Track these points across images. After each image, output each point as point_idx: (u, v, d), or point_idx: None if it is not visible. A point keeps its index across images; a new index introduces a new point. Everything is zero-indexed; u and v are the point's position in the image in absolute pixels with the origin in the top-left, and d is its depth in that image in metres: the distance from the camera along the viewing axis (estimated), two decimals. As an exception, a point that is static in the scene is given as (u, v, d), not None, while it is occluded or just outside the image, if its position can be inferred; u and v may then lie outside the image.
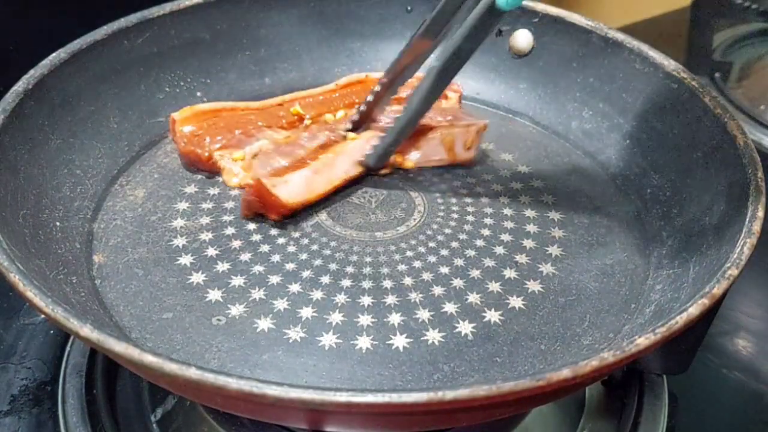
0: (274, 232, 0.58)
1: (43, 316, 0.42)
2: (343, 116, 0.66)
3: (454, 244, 0.58)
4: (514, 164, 0.67)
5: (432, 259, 0.56)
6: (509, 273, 0.56)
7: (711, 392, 0.63)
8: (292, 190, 0.58)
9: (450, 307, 0.53)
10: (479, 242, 0.58)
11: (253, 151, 0.62)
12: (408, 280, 0.55)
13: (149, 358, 0.39)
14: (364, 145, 0.62)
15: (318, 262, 0.56)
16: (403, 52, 0.61)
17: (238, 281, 0.54)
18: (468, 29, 0.55)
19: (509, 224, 0.60)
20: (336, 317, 0.52)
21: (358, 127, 0.64)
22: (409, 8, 0.75)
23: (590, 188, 0.64)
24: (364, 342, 0.50)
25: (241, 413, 0.48)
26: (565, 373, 0.39)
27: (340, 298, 0.53)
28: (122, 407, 0.57)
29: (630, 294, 0.55)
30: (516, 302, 0.54)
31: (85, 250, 0.55)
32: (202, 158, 0.62)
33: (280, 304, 0.52)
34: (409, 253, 0.57)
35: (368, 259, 0.56)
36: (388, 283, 0.54)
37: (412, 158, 0.64)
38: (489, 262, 0.57)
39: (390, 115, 0.66)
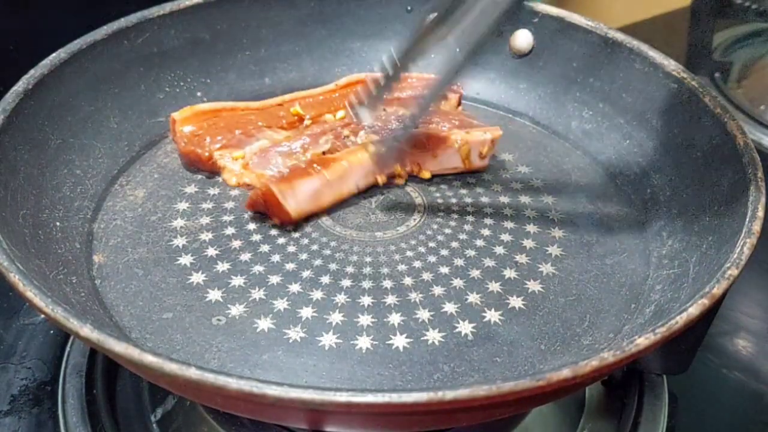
0: (274, 232, 0.58)
1: (43, 316, 0.42)
2: (343, 116, 0.66)
3: (454, 244, 0.58)
4: (514, 164, 0.67)
5: (432, 259, 0.56)
6: (509, 273, 0.56)
7: (711, 392, 0.63)
8: (299, 201, 0.57)
9: (450, 307, 0.53)
10: (479, 242, 0.58)
11: (254, 150, 0.62)
12: (408, 280, 0.55)
13: (149, 358, 0.39)
14: None
15: (318, 262, 0.56)
16: (410, 46, 0.60)
17: (238, 281, 0.54)
18: (494, 18, 0.53)
19: (509, 224, 0.60)
20: (336, 317, 0.52)
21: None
22: (409, 8, 0.75)
23: (590, 188, 0.64)
24: (364, 342, 0.50)
25: (241, 413, 0.48)
26: (565, 373, 0.39)
27: (340, 298, 0.53)
28: (122, 407, 0.57)
29: (630, 294, 0.55)
30: (516, 302, 0.54)
31: (85, 250, 0.55)
32: (202, 158, 0.62)
33: (280, 304, 0.52)
34: (409, 253, 0.57)
35: (368, 259, 0.56)
36: (388, 283, 0.54)
37: (429, 168, 0.64)
38: (489, 262, 0.57)
39: (389, 118, 0.66)
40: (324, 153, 0.62)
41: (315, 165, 0.59)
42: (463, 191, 0.63)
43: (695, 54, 1.03)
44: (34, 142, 0.57)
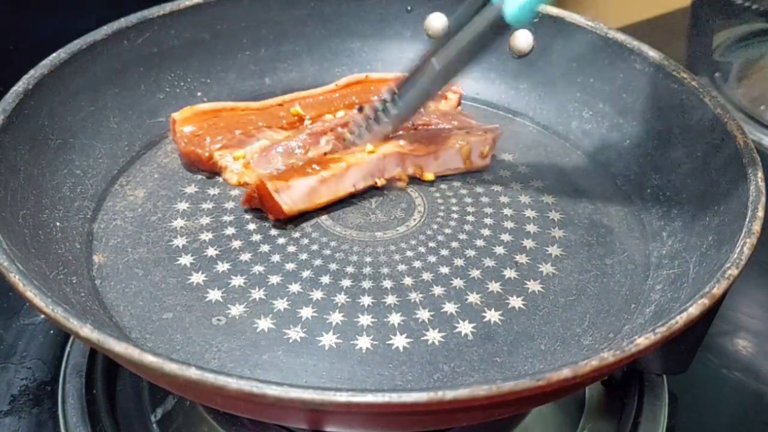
0: (274, 232, 0.58)
1: (43, 316, 0.42)
2: (343, 116, 0.66)
3: (454, 244, 0.58)
4: (514, 164, 0.67)
5: (432, 259, 0.56)
6: (509, 273, 0.56)
7: (711, 392, 0.63)
8: (294, 197, 0.57)
9: (450, 307, 0.53)
10: (479, 242, 0.58)
11: (254, 150, 0.62)
12: (408, 280, 0.55)
13: (149, 358, 0.39)
14: (378, 159, 0.61)
15: (318, 262, 0.56)
16: (414, 71, 0.60)
17: (238, 281, 0.54)
18: (473, 37, 0.55)
19: (509, 224, 0.60)
20: (336, 317, 0.52)
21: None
22: (409, 8, 0.75)
23: (590, 188, 0.64)
24: (364, 342, 0.50)
25: (241, 413, 0.48)
26: (565, 372, 0.39)
27: (340, 298, 0.53)
28: (122, 407, 0.57)
29: (630, 294, 0.55)
30: (516, 302, 0.54)
31: (85, 250, 0.55)
32: (202, 158, 0.62)
33: (280, 304, 0.52)
34: (409, 253, 0.57)
35: (368, 259, 0.56)
36: (388, 283, 0.54)
37: (431, 169, 0.64)
38: (489, 262, 0.57)
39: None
40: (325, 154, 0.62)
41: (313, 164, 0.59)
42: (463, 191, 0.63)
43: (695, 54, 1.04)
44: (34, 142, 0.57)
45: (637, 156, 0.65)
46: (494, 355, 0.50)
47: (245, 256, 0.56)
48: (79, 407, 0.55)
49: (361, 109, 0.66)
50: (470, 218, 0.60)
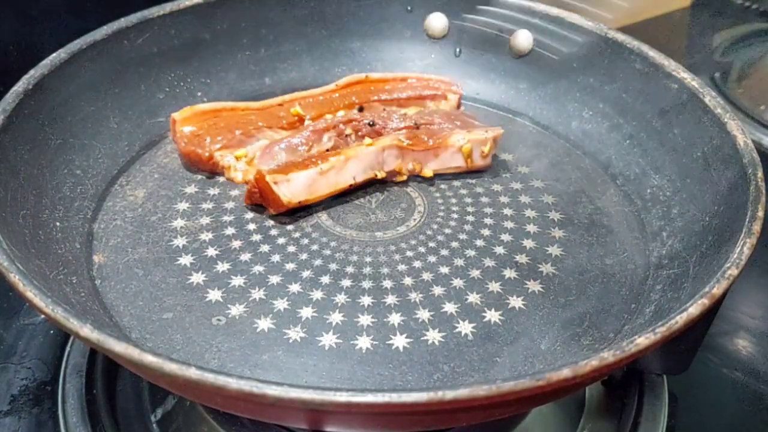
0: (274, 232, 0.58)
1: (43, 316, 0.42)
2: (344, 116, 0.66)
3: (454, 244, 0.58)
4: (514, 164, 0.67)
5: (432, 259, 0.56)
6: (509, 273, 0.56)
7: (711, 392, 0.63)
8: (293, 189, 0.58)
9: (450, 307, 0.53)
10: (479, 242, 0.58)
11: (255, 150, 0.62)
12: (408, 280, 0.55)
13: (149, 358, 0.39)
14: (377, 152, 0.61)
15: (318, 262, 0.56)
16: None
17: (238, 281, 0.54)
18: None
19: (509, 224, 0.60)
20: (336, 317, 0.52)
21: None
22: (409, 8, 0.75)
23: (590, 188, 0.64)
24: (364, 342, 0.50)
25: (241, 413, 0.48)
26: (565, 372, 0.39)
27: (340, 298, 0.53)
28: (122, 407, 0.57)
29: (630, 294, 0.55)
30: (516, 302, 0.54)
31: (85, 251, 0.55)
32: (202, 158, 0.62)
33: (280, 304, 0.52)
34: (409, 253, 0.57)
35: (368, 259, 0.56)
36: (388, 283, 0.54)
37: (431, 166, 0.64)
38: (489, 262, 0.57)
39: (390, 116, 0.66)
40: (327, 150, 0.62)
41: (313, 158, 0.60)
42: (463, 191, 0.63)
43: (695, 54, 1.03)
44: (34, 142, 0.57)
45: (637, 156, 0.65)
46: (494, 355, 0.50)
47: (245, 256, 0.56)
48: (79, 407, 0.55)
49: (361, 109, 0.66)
50: (470, 218, 0.60)
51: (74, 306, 0.48)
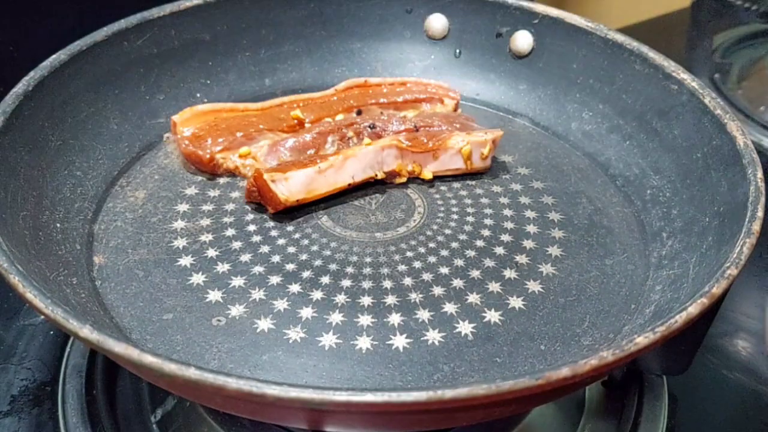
0: (274, 233, 0.58)
1: (43, 317, 0.43)
2: (344, 119, 0.66)
3: (454, 245, 0.58)
4: (513, 165, 0.67)
5: (432, 259, 0.57)
6: (509, 273, 0.56)
7: (711, 393, 0.63)
8: (291, 187, 0.58)
9: (450, 308, 0.53)
10: (479, 243, 0.58)
11: (257, 150, 0.62)
12: (408, 281, 0.55)
13: (149, 359, 0.39)
14: (376, 151, 0.62)
15: (318, 262, 0.56)
16: None
17: (238, 282, 0.54)
18: None
19: (509, 225, 0.60)
20: (336, 317, 0.52)
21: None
22: (409, 9, 0.75)
23: (590, 189, 0.64)
24: (364, 342, 0.50)
25: (241, 413, 0.48)
26: (565, 372, 0.39)
27: (340, 299, 0.53)
28: (122, 407, 0.57)
29: (630, 294, 0.55)
30: (516, 302, 0.54)
31: (86, 252, 0.55)
32: (203, 160, 0.62)
33: (280, 305, 0.52)
34: (409, 254, 0.57)
35: (368, 260, 0.56)
36: (388, 284, 0.54)
37: (431, 168, 0.64)
38: (489, 263, 0.57)
39: (390, 119, 0.66)
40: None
41: (311, 157, 0.60)
42: (463, 192, 0.63)
43: (695, 55, 1.04)
44: (34, 143, 0.57)
45: (637, 157, 0.65)
46: (494, 355, 0.50)
47: (245, 257, 0.56)
48: (79, 408, 0.55)
49: (359, 113, 0.67)
50: (470, 219, 0.61)
51: (74, 307, 0.48)
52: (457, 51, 0.75)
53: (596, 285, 0.56)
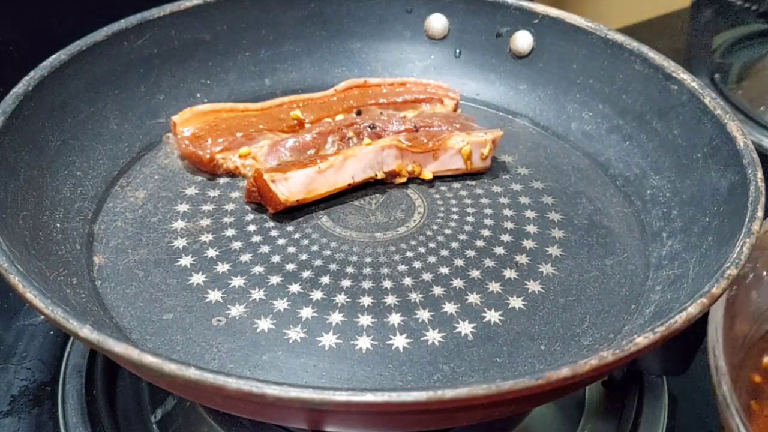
0: (274, 233, 0.58)
1: (43, 317, 0.43)
2: (344, 119, 0.66)
3: (454, 245, 0.58)
4: (513, 165, 0.67)
5: (432, 259, 0.57)
6: (509, 273, 0.56)
7: (711, 393, 0.63)
8: (291, 187, 0.58)
9: (450, 308, 0.53)
10: (479, 243, 0.58)
11: (257, 150, 0.62)
12: (408, 281, 0.55)
13: (149, 359, 0.39)
14: (376, 151, 0.62)
15: (318, 262, 0.56)
16: None
17: (238, 282, 0.54)
18: None
19: (509, 225, 0.60)
20: (336, 317, 0.52)
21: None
22: (409, 9, 0.75)
23: (590, 189, 0.64)
24: (364, 342, 0.50)
25: (241, 413, 0.48)
26: (565, 372, 0.39)
27: (340, 299, 0.53)
28: (122, 408, 0.57)
29: (630, 294, 0.55)
30: (516, 302, 0.54)
31: (86, 252, 0.55)
32: (203, 160, 0.62)
33: (280, 305, 0.52)
34: (409, 254, 0.57)
35: (368, 260, 0.56)
36: (388, 284, 0.54)
37: (431, 168, 0.64)
38: (489, 263, 0.57)
39: (390, 119, 0.66)
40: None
41: (311, 157, 0.60)
42: (463, 192, 0.63)
43: (695, 55, 1.04)
44: (34, 143, 0.57)
45: (637, 157, 0.65)
46: (494, 355, 0.50)
47: (245, 257, 0.56)
48: (79, 408, 0.55)
49: (359, 113, 0.67)
50: (470, 219, 0.61)
51: (74, 307, 0.48)
52: (457, 51, 0.75)
53: (596, 285, 0.56)
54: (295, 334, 0.50)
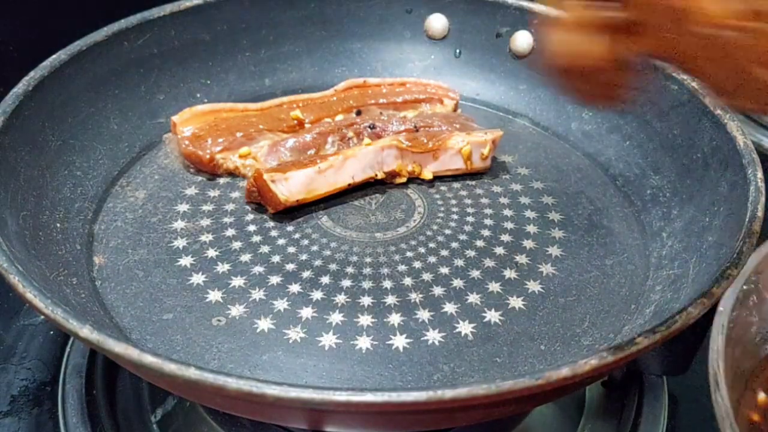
0: (274, 233, 0.58)
1: (42, 317, 0.43)
2: (344, 119, 0.66)
3: (454, 245, 0.58)
4: (513, 165, 0.67)
5: (432, 259, 0.56)
6: (509, 273, 0.56)
7: (711, 393, 0.63)
8: (291, 187, 0.58)
9: (450, 308, 0.53)
10: (479, 243, 0.58)
11: (257, 150, 0.62)
12: (408, 281, 0.55)
13: (149, 359, 0.39)
14: (376, 151, 0.62)
15: (318, 262, 0.56)
16: None
17: (238, 282, 0.54)
18: None
19: (509, 225, 0.60)
20: (336, 317, 0.52)
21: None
22: (409, 9, 0.75)
23: (590, 189, 0.64)
24: (364, 342, 0.50)
25: (241, 413, 0.48)
26: (565, 371, 0.39)
27: (340, 299, 0.53)
28: (122, 408, 0.57)
29: (630, 294, 0.55)
30: (516, 302, 0.54)
31: (86, 252, 0.55)
32: (203, 160, 0.62)
33: (280, 305, 0.52)
34: (409, 254, 0.57)
35: (368, 260, 0.56)
36: (388, 284, 0.54)
37: (431, 168, 0.64)
38: (489, 263, 0.57)
39: (390, 119, 0.66)
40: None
41: (312, 157, 0.60)
42: (463, 193, 0.63)
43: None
44: (34, 143, 0.57)
45: (637, 157, 0.65)
46: (494, 355, 0.50)
47: (245, 257, 0.56)
48: (79, 408, 0.55)
49: (359, 113, 0.67)
50: (470, 219, 0.61)
51: (74, 307, 0.48)
52: (457, 51, 0.75)
53: (596, 285, 0.56)
54: (295, 334, 0.50)
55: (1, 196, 0.51)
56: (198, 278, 0.54)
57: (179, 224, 0.58)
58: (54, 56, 0.60)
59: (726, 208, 0.54)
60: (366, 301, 0.53)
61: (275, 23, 0.73)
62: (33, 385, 0.59)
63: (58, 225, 0.55)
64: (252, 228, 0.58)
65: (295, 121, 0.66)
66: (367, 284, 0.54)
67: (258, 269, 0.55)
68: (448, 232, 0.59)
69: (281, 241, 0.57)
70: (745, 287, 0.50)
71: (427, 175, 0.64)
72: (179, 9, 0.68)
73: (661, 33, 0.39)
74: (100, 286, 0.53)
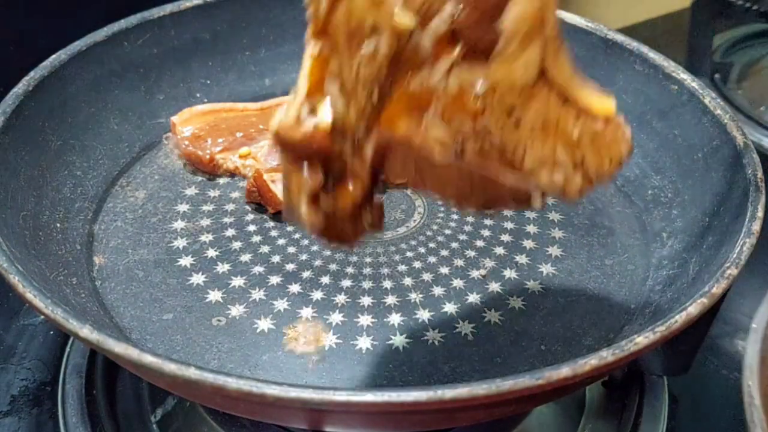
0: (274, 233, 0.58)
1: (42, 317, 0.43)
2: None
3: (454, 245, 0.58)
4: (514, 165, 0.67)
5: (432, 259, 0.56)
6: (509, 273, 0.56)
7: (711, 394, 0.63)
8: None
9: (450, 308, 0.53)
10: (479, 243, 0.58)
11: (257, 150, 0.62)
12: (408, 281, 0.55)
13: (149, 359, 0.39)
14: None
15: (318, 262, 0.56)
16: None
17: (238, 282, 0.54)
18: None
19: (509, 225, 0.60)
20: (336, 317, 0.52)
21: None
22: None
23: (590, 189, 0.64)
24: (364, 342, 0.50)
25: (241, 413, 0.48)
26: (565, 371, 0.39)
27: (340, 299, 0.53)
28: (122, 408, 0.57)
29: (630, 294, 0.55)
30: (516, 302, 0.54)
31: (86, 252, 0.55)
32: (203, 160, 0.62)
33: (280, 305, 0.52)
34: (409, 254, 0.57)
35: (368, 260, 0.56)
36: (388, 284, 0.54)
37: None
38: (489, 263, 0.57)
39: None
40: None
41: None
42: (463, 192, 0.63)
43: (695, 55, 1.03)
44: (34, 143, 0.57)
45: (637, 157, 0.65)
46: (494, 355, 0.50)
47: (245, 257, 0.56)
48: (79, 408, 0.55)
49: None
50: (470, 219, 0.60)
51: (74, 307, 0.48)
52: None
53: (596, 285, 0.56)
54: (295, 333, 0.50)
55: (1, 196, 0.51)
56: (198, 278, 0.54)
57: (179, 224, 0.58)
58: (54, 56, 0.60)
59: (726, 209, 0.54)
60: (366, 301, 0.53)
61: (275, 23, 0.73)
62: (33, 385, 0.59)
63: (58, 225, 0.55)
64: (252, 228, 0.58)
65: (295, 121, 0.66)
66: (367, 284, 0.54)
67: (258, 269, 0.55)
68: (448, 232, 0.59)
69: (281, 241, 0.57)
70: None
71: None
72: (179, 9, 0.68)
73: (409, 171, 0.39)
74: (100, 286, 0.53)
